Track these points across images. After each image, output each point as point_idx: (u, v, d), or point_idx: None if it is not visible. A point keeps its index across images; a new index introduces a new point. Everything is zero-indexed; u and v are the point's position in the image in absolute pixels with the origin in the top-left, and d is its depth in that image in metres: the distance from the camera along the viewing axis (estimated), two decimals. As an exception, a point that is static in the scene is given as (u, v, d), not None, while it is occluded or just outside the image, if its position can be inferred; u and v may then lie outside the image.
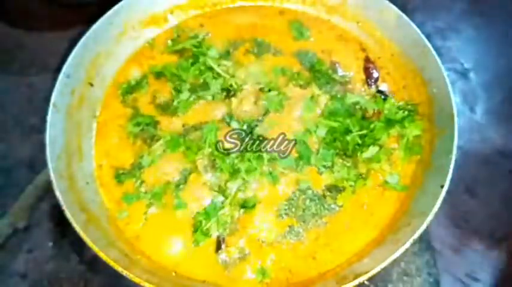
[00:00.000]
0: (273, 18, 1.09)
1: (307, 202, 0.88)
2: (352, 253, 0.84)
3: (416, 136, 0.92)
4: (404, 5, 0.98)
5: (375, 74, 1.01)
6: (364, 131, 0.90)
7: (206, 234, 0.84)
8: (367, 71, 1.01)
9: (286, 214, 0.87)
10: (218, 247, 0.84)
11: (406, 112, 0.93)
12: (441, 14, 1.26)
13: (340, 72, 1.01)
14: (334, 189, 0.89)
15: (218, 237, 0.85)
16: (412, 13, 0.99)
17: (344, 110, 0.94)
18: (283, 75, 1.00)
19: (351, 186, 0.89)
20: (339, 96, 0.97)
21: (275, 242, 0.85)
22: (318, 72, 1.00)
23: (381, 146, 0.90)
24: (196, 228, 0.85)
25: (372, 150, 0.89)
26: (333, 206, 0.88)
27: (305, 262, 0.84)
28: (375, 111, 0.95)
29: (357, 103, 0.96)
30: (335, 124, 0.92)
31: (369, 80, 1.00)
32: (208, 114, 0.96)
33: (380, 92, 0.99)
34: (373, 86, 1.00)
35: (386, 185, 0.90)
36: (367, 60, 1.03)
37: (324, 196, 0.89)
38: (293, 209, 0.88)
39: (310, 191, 0.89)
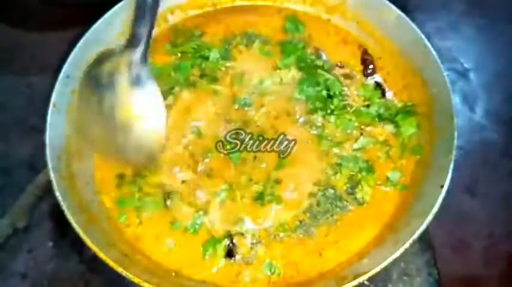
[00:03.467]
0: (271, 17, 1.09)
1: (322, 199, 0.88)
2: (354, 252, 0.85)
3: (412, 135, 0.93)
4: (404, 5, 0.98)
5: (371, 65, 1.02)
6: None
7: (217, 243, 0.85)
8: (364, 62, 1.02)
9: (303, 211, 0.87)
10: (230, 254, 0.84)
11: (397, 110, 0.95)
12: (441, 14, 1.26)
13: (324, 58, 1.02)
14: (355, 186, 0.89)
15: (228, 245, 0.84)
16: (412, 13, 0.99)
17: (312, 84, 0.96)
18: (267, 57, 1.01)
19: (363, 177, 0.89)
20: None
21: (285, 236, 0.86)
22: (300, 58, 1.01)
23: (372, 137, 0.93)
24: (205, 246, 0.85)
25: (362, 141, 0.92)
26: (345, 203, 0.88)
27: (312, 257, 0.84)
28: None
29: (327, 80, 0.97)
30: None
31: (365, 71, 1.02)
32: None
33: (378, 84, 1.00)
34: (369, 77, 1.01)
35: (387, 181, 0.90)
36: (365, 52, 1.04)
37: (346, 195, 0.89)
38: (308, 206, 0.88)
39: (331, 191, 0.89)
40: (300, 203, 0.88)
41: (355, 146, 0.92)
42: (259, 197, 0.87)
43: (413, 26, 0.95)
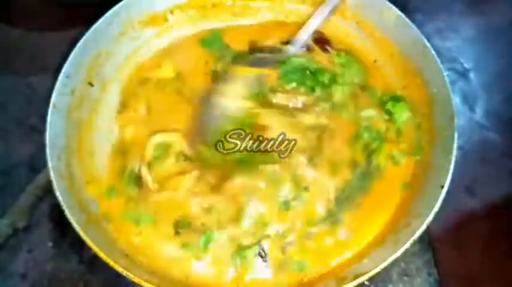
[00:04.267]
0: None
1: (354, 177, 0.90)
2: (354, 252, 0.85)
3: (408, 120, 0.94)
4: (404, 5, 0.98)
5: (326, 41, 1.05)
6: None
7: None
8: (319, 42, 1.04)
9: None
10: (262, 258, 0.84)
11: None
12: (441, 14, 1.26)
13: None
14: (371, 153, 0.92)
15: (260, 253, 0.84)
16: (412, 13, 0.99)
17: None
18: None
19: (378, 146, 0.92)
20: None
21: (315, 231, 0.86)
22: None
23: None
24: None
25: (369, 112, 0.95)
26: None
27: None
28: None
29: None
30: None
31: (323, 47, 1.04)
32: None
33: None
34: (331, 51, 1.04)
35: (394, 158, 0.91)
36: (318, 39, 1.05)
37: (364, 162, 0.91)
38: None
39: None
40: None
41: (364, 114, 0.96)
42: (285, 205, 0.87)
43: (413, 26, 0.95)
